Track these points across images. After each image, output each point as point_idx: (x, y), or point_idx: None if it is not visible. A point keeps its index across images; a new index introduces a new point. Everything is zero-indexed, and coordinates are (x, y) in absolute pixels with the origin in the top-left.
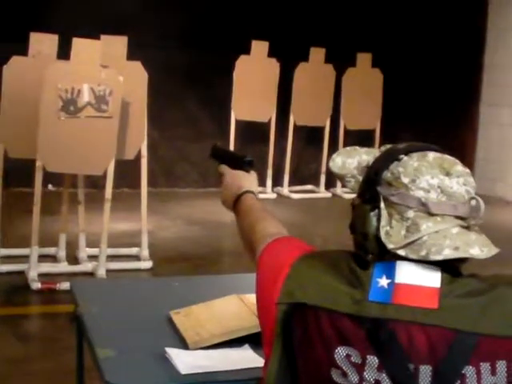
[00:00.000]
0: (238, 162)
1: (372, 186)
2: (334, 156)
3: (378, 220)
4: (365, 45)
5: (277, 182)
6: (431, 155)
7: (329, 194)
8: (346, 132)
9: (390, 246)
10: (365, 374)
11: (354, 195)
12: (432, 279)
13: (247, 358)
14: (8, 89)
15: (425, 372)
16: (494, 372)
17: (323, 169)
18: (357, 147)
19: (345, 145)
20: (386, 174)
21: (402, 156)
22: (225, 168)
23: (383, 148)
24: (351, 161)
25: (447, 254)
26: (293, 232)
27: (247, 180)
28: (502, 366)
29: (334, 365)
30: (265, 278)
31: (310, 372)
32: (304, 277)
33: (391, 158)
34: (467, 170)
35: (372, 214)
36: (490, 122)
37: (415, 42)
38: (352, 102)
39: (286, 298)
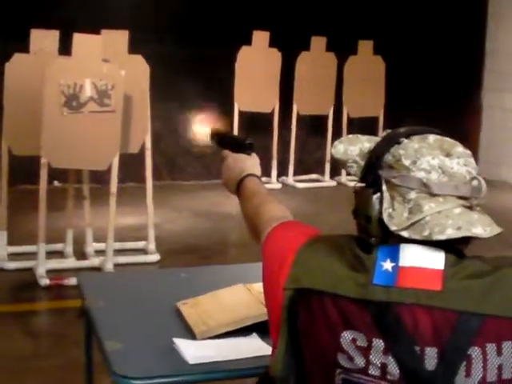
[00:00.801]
0: (239, 145)
1: (374, 170)
2: (336, 143)
3: (381, 203)
4: (366, 32)
5: (282, 171)
6: (431, 137)
7: (334, 183)
8: (350, 120)
9: (393, 227)
10: (371, 357)
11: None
12: (436, 261)
13: (255, 347)
14: (11, 86)
15: (431, 354)
16: (499, 352)
17: (327, 157)
18: (359, 135)
19: (348, 133)
20: (388, 157)
21: (402, 139)
22: (225, 152)
23: (384, 133)
24: (353, 148)
25: (450, 233)
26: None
27: (249, 163)
28: (508, 346)
29: (340, 349)
30: (271, 264)
31: (315, 357)
32: (309, 262)
33: (392, 141)
34: (468, 152)
35: (374, 197)
36: (493, 107)
37: (417, 29)
38: (354, 89)
39: (292, 284)
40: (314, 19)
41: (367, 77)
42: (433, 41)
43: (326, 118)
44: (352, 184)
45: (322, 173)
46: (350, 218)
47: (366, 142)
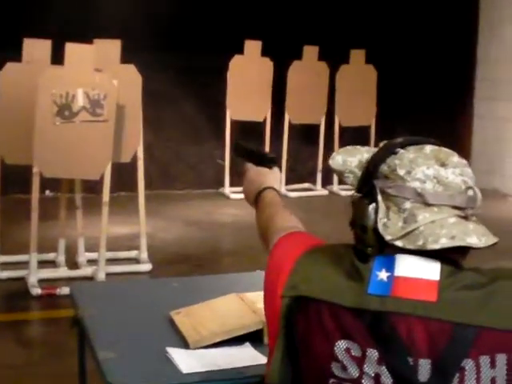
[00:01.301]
0: (261, 159)
1: (369, 180)
2: (334, 154)
3: (376, 213)
4: (358, 41)
5: None
6: (428, 148)
7: (326, 192)
8: (342, 129)
9: (388, 237)
10: (365, 367)
11: (351, 192)
12: (431, 272)
13: (248, 356)
14: (3, 95)
15: (424, 365)
16: (493, 365)
17: (320, 166)
18: (358, 146)
19: (340, 142)
20: (383, 168)
21: (398, 149)
22: (248, 165)
23: (381, 144)
24: (352, 159)
25: (444, 242)
26: None
27: (269, 176)
28: (501, 359)
29: (335, 358)
30: (271, 271)
31: (311, 365)
32: (308, 271)
33: (388, 151)
34: (464, 162)
35: (370, 207)
36: (485, 115)
37: (408, 38)
38: (346, 98)
39: (289, 292)
40: (306, 28)
41: (359, 86)
42: (425, 50)
43: (317, 127)
44: (344, 193)
45: (314, 182)
46: (342, 227)
47: (365, 153)
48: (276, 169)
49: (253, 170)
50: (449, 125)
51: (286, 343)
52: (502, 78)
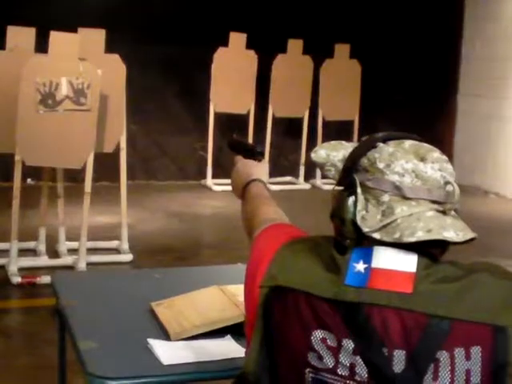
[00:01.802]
0: (250, 152)
1: (350, 173)
2: (317, 148)
3: (355, 205)
4: (343, 36)
5: None
6: (408, 142)
7: (308, 186)
8: (325, 123)
9: (366, 229)
10: (340, 357)
11: (333, 186)
12: (408, 264)
13: (229, 349)
14: None
15: (399, 356)
16: (468, 357)
17: (302, 160)
18: (343, 142)
19: (323, 136)
20: (363, 161)
21: (379, 143)
22: (237, 157)
23: (364, 138)
24: (336, 153)
25: (420, 235)
26: None
27: (257, 169)
28: (476, 351)
29: (311, 348)
30: (252, 262)
31: (287, 356)
32: (286, 261)
33: (369, 145)
34: (444, 157)
35: (349, 199)
36: (468, 112)
37: (393, 33)
38: (330, 93)
39: (267, 282)
40: (290, 22)
41: (343, 80)
42: (409, 45)
43: (301, 120)
44: (327, 187)
45: (297, 175)
46: (323, 221)
47: (350, 149)
48: (265, 161)
49: (241, 163)
50: (432, 120)
51: (263, 333)
52: (486, 74)
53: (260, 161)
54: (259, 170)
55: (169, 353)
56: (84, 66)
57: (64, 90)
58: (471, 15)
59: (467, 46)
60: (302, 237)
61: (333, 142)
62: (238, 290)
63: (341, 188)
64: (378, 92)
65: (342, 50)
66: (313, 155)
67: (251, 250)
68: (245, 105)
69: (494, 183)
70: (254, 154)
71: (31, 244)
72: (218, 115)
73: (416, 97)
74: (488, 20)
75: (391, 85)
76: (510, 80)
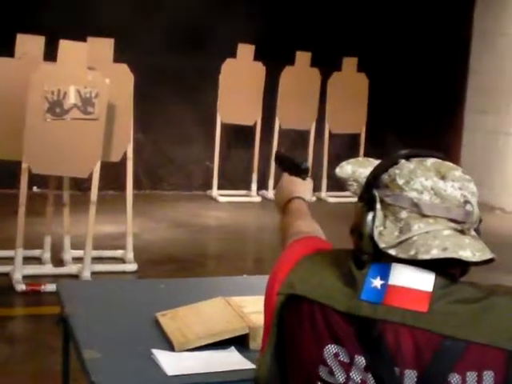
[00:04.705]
0: (295, 169)
1: (371, 188)
2: (344, 164)
3: (374, 221)
4: (351, 49)
5: (262, 185)
6: (430, 160)
7: (313, 198)
8: (332, 136)
9: (382, 245)
10: (352, 373)
11: (339, 199)
12: (425, 283)
13: (233, 360)
14: None
15: (410, 376)
16: (480, 382)
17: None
18: (370, 159)
19: (330, 149)
20: (384, 177)
21: (401, 160)
22: (284, 174)
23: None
24: (363, 170)
25: (435, 253)
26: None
27: (301, 187)
28: (488, 376)
29: (323, 362)
30: (275, 270)
31: (299, 365)
32: (305, 272)
33: (391, 162)
34: (467, 177)
35: (369, 215)
36: (475, 127)
37: (401, 47)
38: (337, 106)
39: (285, 290)
40: (299, 34)
41: (350, 93)
42: (417, 59)
43: (307, 133)
44: (332, 200)
45: None
46: (338, 234)
47: None
48: (309, 180)
49: (286, 179)
50: (438, 135)
51: (277, 340)
52: (493, 89)
53: (304, 179)
54: (302, 188)
55: (173, 363)
56: (92, 75)
57: (72, 98)
58: (480, 29)
59: (475, 60)
60: (325, 249)
61: (360, 159)
62: (244, 302)
63: (360, 202)
64: (385, 105)
65: (349, 63)
66: (338, 170)
67: (277, 259)
68: (252, 116)
69: (500, 199)
70: (300, 171)
71: (36, 252)
72: (225, 126)
73: (423, 110)
74: (496, 34)
75: (398, 98)
76: None
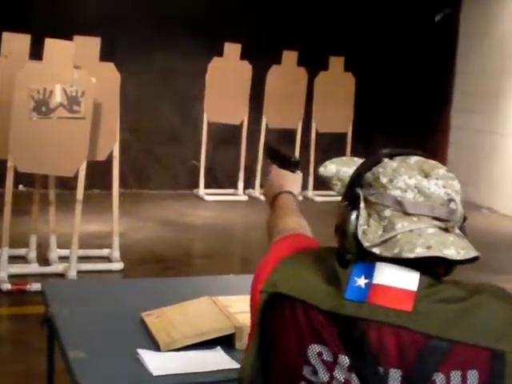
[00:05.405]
0: (285, 162)
1: (354, 187)
2: (327, 163)
3: (357, 219)
4: (337, 48)
5: (249, 184)
6: (413, 158)
7: (300, 198)
8: (318, 135)
9: (366, 243)
10: (335, 373)
11: (326, 198)
12: (409, 282)
13: (219, 360)
14: None
15: (394, 376)
16: (464, 381)
17: None
18: (354, 158)
19: (317, 148)
20: (368, 175)
21: (384, 159)
22: (273, 166)
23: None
24: (347, 169)
25: (419, 252)
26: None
27: (290, 180)
28: (473, 375)
29: (306, 361)
30: (259, 268)
31: (282, 364)
32: (288, 270)
33: (375, 160)
34: (450, 175)
35: (352, 213)
36: (461, 127)
37: (388, 47)
38: (324, 105)
39: (268, 288)
40: (286, 33)
41: (337, 93)
42: (404, 60)
43: (294, 132)
44: (318, 199)
45: None
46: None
47: None
48: (299, 173)
49: (275, 173)
50: (425, 135)
51: (260, 339)
52: (479, 90)
53: (294, 172)
54: (291, 181)
55: (158, 363)
56: (78, 74)
57: (58, 97)
58: (466, 31)
59: (461, 60)
60: (309, 248)
61: (344, 158)
62: (230, 301)
63: (344, 201)
64: (372, 105)
65: (336, 62)
66: (321, 169)
67: (263, 256)
68: (238, 115)
69: (487, 198)
70: (289, 164)
71: (22, 251)
72: (211, 125)
73: (410, 110)
74: (482, 36)
75: (385, 98)
76: (504, 95)
